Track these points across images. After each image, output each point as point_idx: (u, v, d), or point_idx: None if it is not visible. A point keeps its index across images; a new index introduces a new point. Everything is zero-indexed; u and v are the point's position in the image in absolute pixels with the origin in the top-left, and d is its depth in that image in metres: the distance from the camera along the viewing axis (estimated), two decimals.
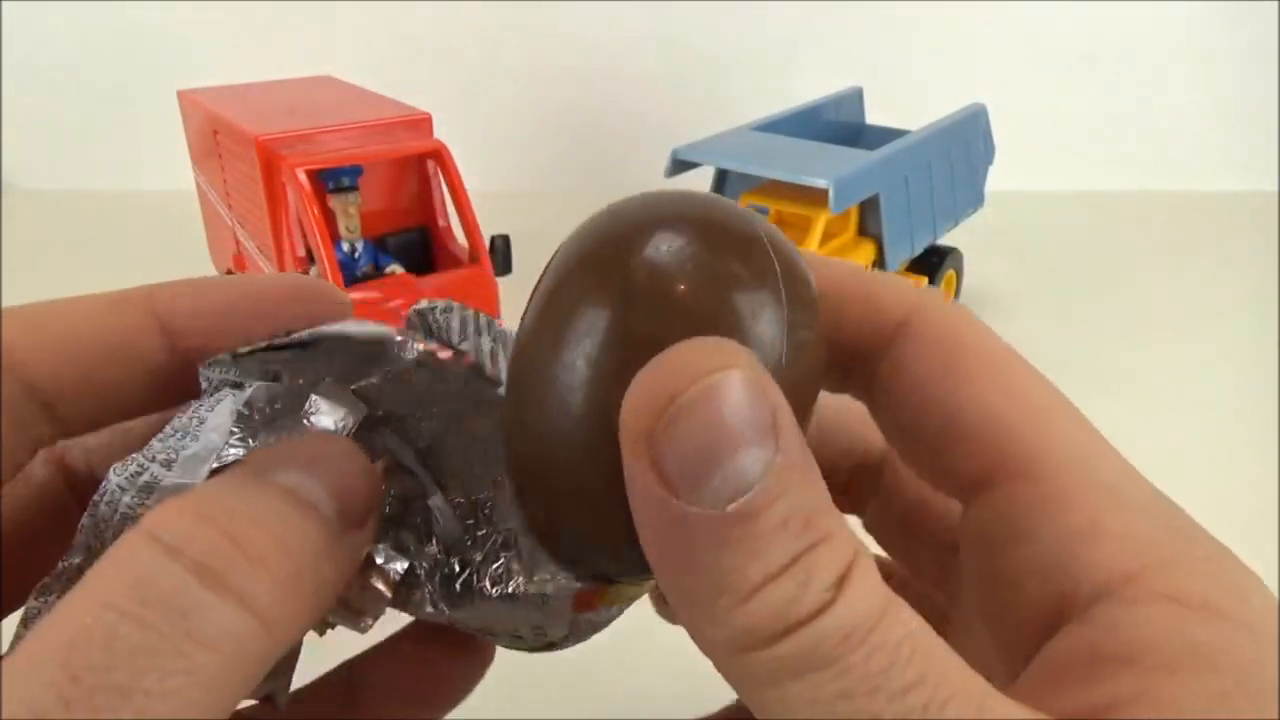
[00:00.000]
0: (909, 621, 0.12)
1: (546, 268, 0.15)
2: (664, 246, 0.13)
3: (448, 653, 0.19)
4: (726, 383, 0.11)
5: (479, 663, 0.20)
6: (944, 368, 0.15)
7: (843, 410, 0.17)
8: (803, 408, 0.14)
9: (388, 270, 0.52)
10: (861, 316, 0.16)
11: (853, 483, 0.18)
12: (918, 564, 0.17)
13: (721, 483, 0.11)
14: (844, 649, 0.11)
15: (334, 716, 0.19)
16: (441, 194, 0.56)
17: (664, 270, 0.13)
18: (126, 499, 0.15)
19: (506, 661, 0.20)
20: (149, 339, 0.16)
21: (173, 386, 0.17)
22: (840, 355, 0.16)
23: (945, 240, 0.58)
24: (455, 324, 0.17)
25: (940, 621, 0.17)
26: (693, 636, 0.13)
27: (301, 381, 0.17)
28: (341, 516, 0.14)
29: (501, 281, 0.53)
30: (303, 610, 0.13)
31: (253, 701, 0.19)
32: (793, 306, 0.14)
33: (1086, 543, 0.13)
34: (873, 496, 0.17)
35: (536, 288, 0.15)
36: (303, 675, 0.19)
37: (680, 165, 0.52)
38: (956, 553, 0.15)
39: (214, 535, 0.13)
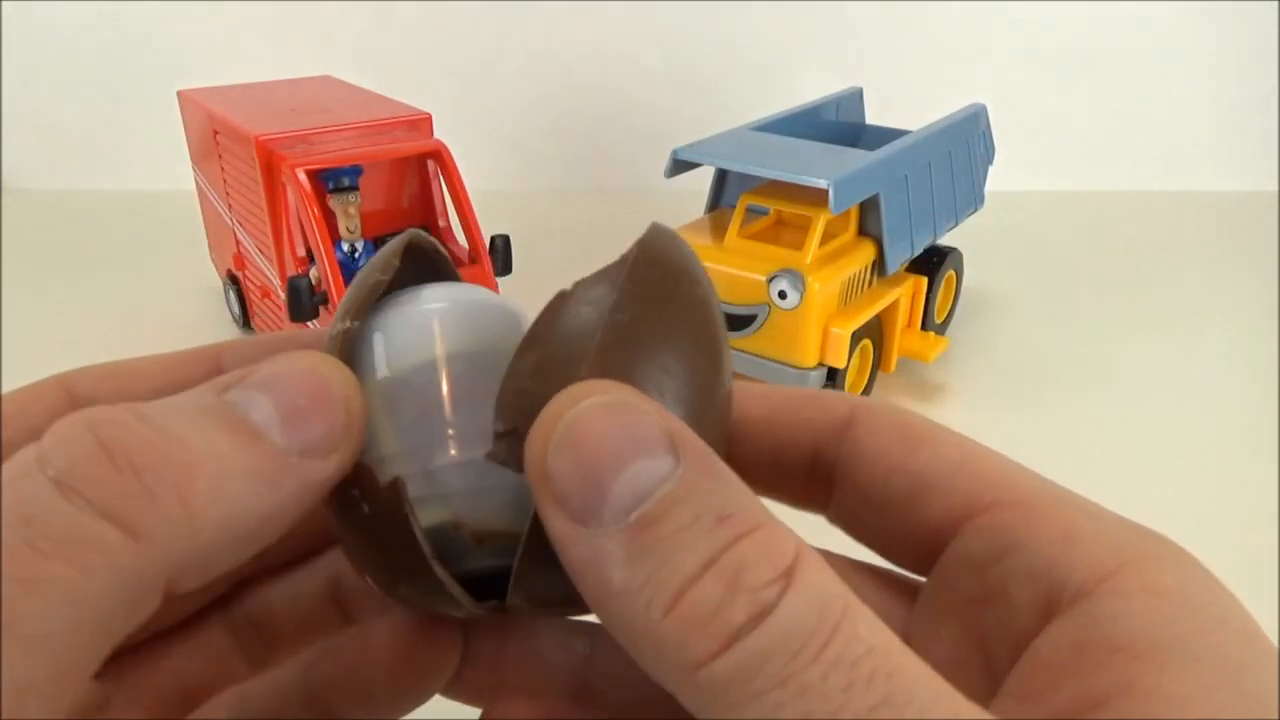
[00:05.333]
0: (869, 635, 0.11)
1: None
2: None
3: (418, 640, 0.18)
4: (587, 413, 0.13)
5: (451, 649, 0.18)
6: (900, 439, 0.17)
7: (791, 399, 0.18)
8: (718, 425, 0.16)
9: None
10: (813, 415, 0.17)
11: (812, 474, 0.18)
12: (890, 544, 0.17)
13: (618, 501, 0.12)
14: (797, 665, 0.11)
15: (291, 716, 0.18)
16: (441, 194, 0.56)
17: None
18: None
19: None
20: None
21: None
22: (797, 455, 0.18)
23: (945, 240, 0.58)
24: None
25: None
26: (647, 671, 0.12)
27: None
28: (297, 443, 0.14)
29: (501, 281, 0.53)
30: (208, 535, 0.12)
31: None
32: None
33: (1067, 546, 0.14)
34: (834, 487, 0.17)
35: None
36: None
37: (680, 165, 0.52)
38: (927, 529, 0.16)
39: (88, 446, 0.12)
